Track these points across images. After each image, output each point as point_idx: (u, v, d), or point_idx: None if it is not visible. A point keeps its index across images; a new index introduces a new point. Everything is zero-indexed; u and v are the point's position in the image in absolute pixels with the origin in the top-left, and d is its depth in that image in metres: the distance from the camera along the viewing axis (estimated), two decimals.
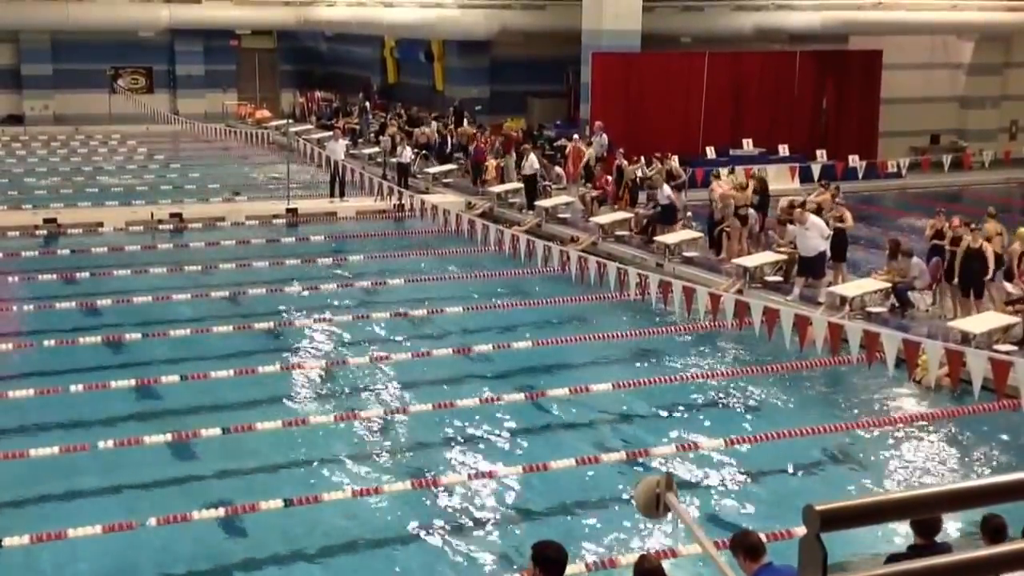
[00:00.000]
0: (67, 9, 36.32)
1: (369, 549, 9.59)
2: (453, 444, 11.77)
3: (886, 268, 16.75)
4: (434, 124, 30.04)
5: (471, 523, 10.02)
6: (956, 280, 15.57)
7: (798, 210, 17.33)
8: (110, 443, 11.00)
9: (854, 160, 26.57)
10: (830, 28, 28.16)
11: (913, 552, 6.12)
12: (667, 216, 20.37)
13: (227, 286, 17.64)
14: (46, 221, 22.00)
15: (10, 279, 18.03)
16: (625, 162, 22.53)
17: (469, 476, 10.83)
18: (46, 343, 14.48)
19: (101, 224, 22.13)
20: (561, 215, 22.79)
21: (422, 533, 9.80)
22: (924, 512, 3.63)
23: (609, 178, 22.88)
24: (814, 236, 16.66)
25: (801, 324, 13.04)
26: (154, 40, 38.82)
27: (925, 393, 13.43)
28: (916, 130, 30.52)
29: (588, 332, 15.70)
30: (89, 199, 25.05)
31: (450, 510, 10.24)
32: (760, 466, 11.28)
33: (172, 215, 22.71)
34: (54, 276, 18.13)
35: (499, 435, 12.03)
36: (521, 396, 12.92)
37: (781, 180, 24.79)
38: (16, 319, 16.17)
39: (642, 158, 22.73)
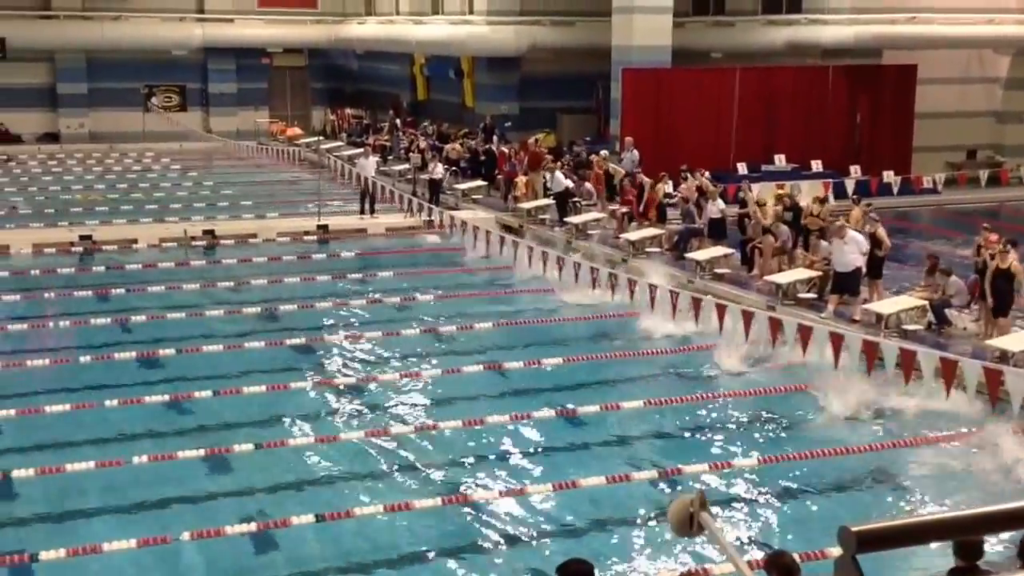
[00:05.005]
0: (102, 29, 36.82)
1: (399, 565, 9.59)
2: (484, 461, 11.75)
3: (923, 284, 16.56)
4: (460, 143, 30.07)
5: (501, 540, 9.99)
6: (989, 299, 15.34)
7: (838, 224, 17.15)
8: (144, 458, 11.10)
9: (888, 176, 26.35)
10: (863, 42, 27.94)
11: None
12: (717, 231, 20.25)
13: (259, 302, 17.78)
14: (82, 238, 22.25)
15: (47, 295, 18.26)
16: (647, 179, 22.37)
17: (500, 493, 10.81)
18: (82, 359, 14.65)
19: (135, 241, 22.37)
20: (591, 231, 22.76)
21: (452, 549, 9.78)
22: (962, 534, 3.57)
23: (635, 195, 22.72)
24: (852, 251, 16.43)
25: (835, 342, 12.94)
26: (187, 59, 39.23)
27: (963, 411, 13.22)
28: (952, 145, 30.18)
29: (619, 349, 15.65)
30: (124, 216, 25.33)
31: (480, 527, 10.22)
32: (795, 484, 11.18)
33: (205, 232, 22.90)
34: (89, 292, 18.31)
35: (530, 452, 12.00)
36: (552, 413, 12.89)
37: (815, 196, 24.56)
38: (52, 335, 16.34)
39: (694, 174, 22.32)
